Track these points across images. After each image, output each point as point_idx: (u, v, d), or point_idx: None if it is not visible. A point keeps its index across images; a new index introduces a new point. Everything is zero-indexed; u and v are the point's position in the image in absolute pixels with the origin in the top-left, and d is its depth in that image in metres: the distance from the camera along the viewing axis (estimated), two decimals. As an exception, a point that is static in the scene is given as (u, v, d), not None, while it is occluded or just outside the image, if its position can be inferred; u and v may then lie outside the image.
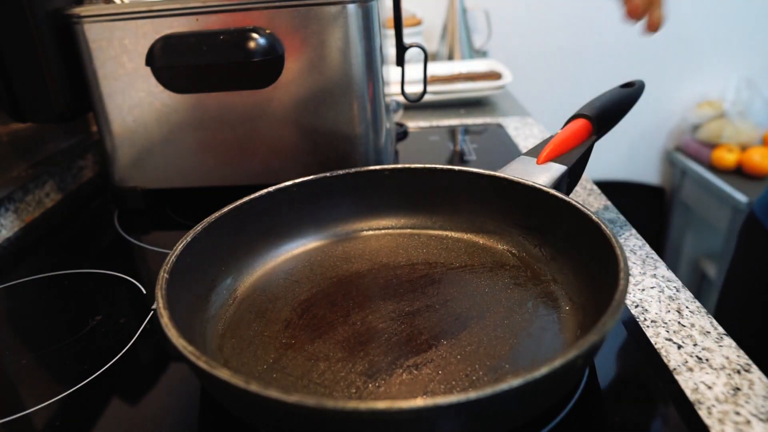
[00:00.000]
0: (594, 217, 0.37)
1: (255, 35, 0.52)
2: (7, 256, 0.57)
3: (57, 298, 0.48)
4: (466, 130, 0.88)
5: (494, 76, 1.05)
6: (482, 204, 0.47)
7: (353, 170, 0.49)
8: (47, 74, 0.56)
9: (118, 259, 0.54)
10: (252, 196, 0.45)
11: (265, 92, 0.55)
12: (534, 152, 0.49)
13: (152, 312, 0.44)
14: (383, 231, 0.49)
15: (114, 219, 0.63)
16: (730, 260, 0.65)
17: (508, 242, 0.45)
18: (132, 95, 0.57)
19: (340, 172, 0.48)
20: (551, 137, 0.49)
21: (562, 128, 0.51)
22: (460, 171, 0.47)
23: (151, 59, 0.54)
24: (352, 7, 0.52)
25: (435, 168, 0.48)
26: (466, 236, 0.47)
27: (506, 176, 0.45)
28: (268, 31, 0.53)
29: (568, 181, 0.47)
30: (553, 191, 0.42)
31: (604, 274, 0.33)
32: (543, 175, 0.45)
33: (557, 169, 0.46)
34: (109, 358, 0.39)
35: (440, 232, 0.48)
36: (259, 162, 0.59)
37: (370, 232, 0.49)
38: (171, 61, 0.54)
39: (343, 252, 0.47)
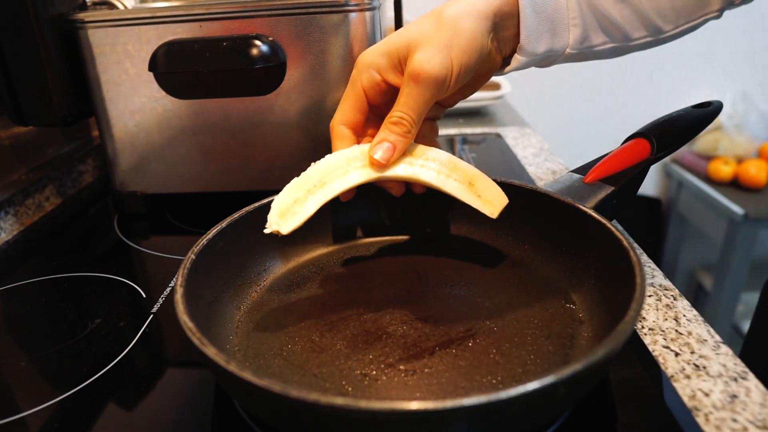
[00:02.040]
0: (626, 242, 0.36)
1: (258, 42, 0.53)
2: (6, 259, 0.57)
3: (56, 301, 0.48)
4: (465, 139, 0.89)
5: (493, 86, 1.06)
6: (520, 219, 0.46)
7: None
8: (50, 78, 0.56)
9: (117, 262, 0.54)
10: None
11: (267, 99, 0.56)
12: (583, 170, 0.47)
13: (151, 316, 0.44)
14: (421, 237, 0.50)
15: (114, 223, 0.63)
16: (755, 312, 0.62)
17: (538, 258, 0.45)
18: (134, 100, 0.58)
19: None
20: (604, 155, 0.47)
21: (620, 146, 0.48)
22: (503, 183, 0.46)
23: (153, 65, 0.55)
24: (353, 16, 0.53)
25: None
26: (501, 249, 0.47)
27: (546, 192, 0.44)
28: (270, 39, 0.53)
29: (615, 202, 0.45)
30: (589, 211, 0.40)
31: (621, 301, 0.32)
32: (586, 194, 0.44)
33: (603, 190, 0.44)
34: (108, 361, 0.39)
35: (477, 242, 0.48)
36: (259, 168, 0.60)
37: (408, 237, 0.50)
38: (174, 67, 0.54)
39: (378, 252, 0.48)
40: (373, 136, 0.43)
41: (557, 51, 0.45)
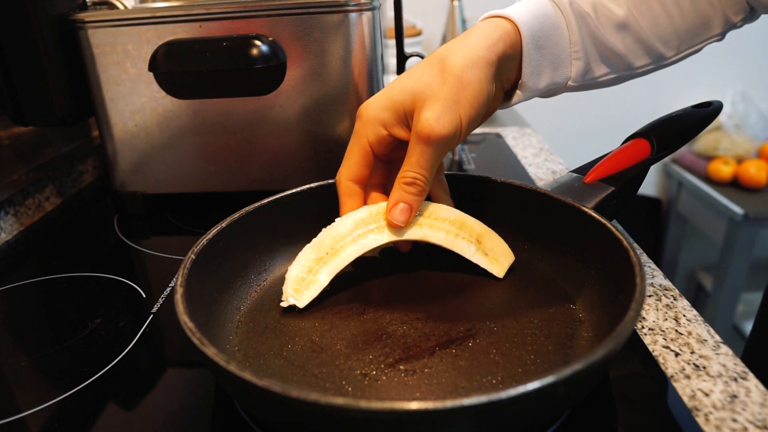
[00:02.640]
0: (626, 242, 0.36)
1: (258, 42, 0.53)
2: (6, 259, 0.57)
3: (56, 301, 0.48)
4: (465, 139, 0.89)
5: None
6: (520, 219, 0.46)
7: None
8: (50, 78, 0.56)
9: (117, 263, 0.54)
10: (294, 190, 0.46)
11: (267, 99, 0.56)
12: (583, 170, 0.47)
13: (151, 316, 0.44)
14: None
15: (114, 223, 0.63)
16: (757, 314, 0.62)
17: (538, 258, 0.45)
18: (134, 100, 0.58)
19: None
20: (604, 155, 0.47)
21: (620, 146, 0.48)
22: (503, 182, 0.47)
23: (153, 65, 0.55)
24: (353, 16, 0.53)
25: (478, 178, 0.48)
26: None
27: (546, 192, 0.44)
28: (270, 39, 0.53)
29: (615, 203, 0.45)
30: (589, 211, 0.40)
31: (621, 301, 0.32)
32: (586, 194, 0.44)
33: (603, 190, 0.44)
34: (108, 361, 0.39)
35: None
36: (259, 168, 0.60)
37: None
38: (174, 67, 0.54)
39: (378, 253, 0.48)
40: (379, 186, 0.43)
41: (559, 84, 0.44)
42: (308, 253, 0.41)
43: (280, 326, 0.38)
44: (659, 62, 0.46)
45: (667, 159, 1.81)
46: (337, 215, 0.49)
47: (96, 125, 0.64)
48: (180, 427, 0.33)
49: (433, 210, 0.43)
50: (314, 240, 0.41)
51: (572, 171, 0.48)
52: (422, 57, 0.64)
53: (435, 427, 0.25)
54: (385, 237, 0.41)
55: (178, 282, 0.34)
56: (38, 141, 0.68)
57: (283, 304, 0.39)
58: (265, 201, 0.45)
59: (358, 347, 0.36)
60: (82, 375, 0.38)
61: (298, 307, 0.39)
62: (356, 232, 0.41)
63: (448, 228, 0.42)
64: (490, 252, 0.43)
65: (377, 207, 0.42)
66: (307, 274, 0.40)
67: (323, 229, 0.41)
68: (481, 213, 0.48)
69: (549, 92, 0.45)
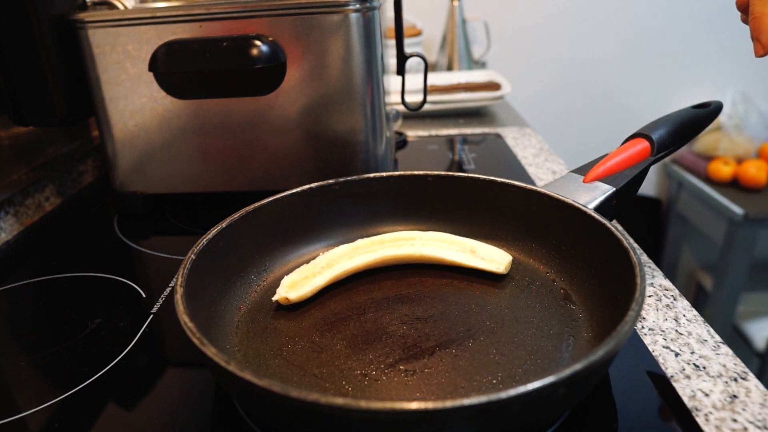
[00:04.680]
0: (626, 243, 0.36)
1: (258, 42, 0.53)
2: (6, 259, 0.57)
3: (56, 301, 0.48)
4: (465, 139, 0.89)
5: (493, 86, 1.06)
6: (520, 219, 0.46)
7: (395, 174, 0.50)
8: (50, 78, 0.56)
9: (117, 263, 0.54)
10: (293, 191, 0.47)
11: (267, 99, 0.56)
12: (582, 170, 0.47)
13: (151, 316, 0.44)
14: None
15: (114, 223, 0.63)
16: None
17: (538, 258, 0.45)
18: (134, 100, 0.58)
19: (379, 174, 0.50)
20: (604, 155, 0.47)
21: (620, 146, 0.48)
22: (503, 182, 0.47)
23: (154, 65, 0.55)
24: (354, 16, 0.53)
25: (478, 178, 0.48)
26: (501, 249, 0.46)
27: (546, 192, 0.44)
28: (270, 39, 0.53)
29: (615, 203, 0.45)
30: (587, 210, 0.40)
31: (621, 301, 0.32)
32: (586, 195, 0.44)
33: (603, 190, 0.44)
34: (108, 361, 0.39)
35: (476, 242, 0.48)
36: (259, 168, 0.60)
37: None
38: (174, 67, 0.54)
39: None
40: None
41: None
42: (304, 267, 0.43)
43: (281, 326, 0.38)
44: None
45: (667, 159, 1.81)
46: (337, 215, 0.49)
47: (96, 125, 0.64)
48: (180, 427, 0.33)
49: (426, 234, 0.46)
50: (312, 261, 0.44)
51: (572, 171, 0.48)
52: (422, 57, 0.64)
53: (435, 427, 0.25)
54: (377, 256, 0.44)
55: (178, 282, 0.34)
56: (38, 141, 0.68)
57: (275, 298, 0.40)
58: (265, 201, 0.45)
59: (358, 347, 0.36)
60: (82, 375, 0.38)
61: (290, 301, 0.40)
62: (351, 254, 0.44)
63: (440, 244, 0.45)
64: (486, 257, 0.44)
65: (370, 239, 0.45)
66: (302, 279, 0.42)
67: (321, 253, 0.45)
68: (482, 213, 0.48)
69: None
